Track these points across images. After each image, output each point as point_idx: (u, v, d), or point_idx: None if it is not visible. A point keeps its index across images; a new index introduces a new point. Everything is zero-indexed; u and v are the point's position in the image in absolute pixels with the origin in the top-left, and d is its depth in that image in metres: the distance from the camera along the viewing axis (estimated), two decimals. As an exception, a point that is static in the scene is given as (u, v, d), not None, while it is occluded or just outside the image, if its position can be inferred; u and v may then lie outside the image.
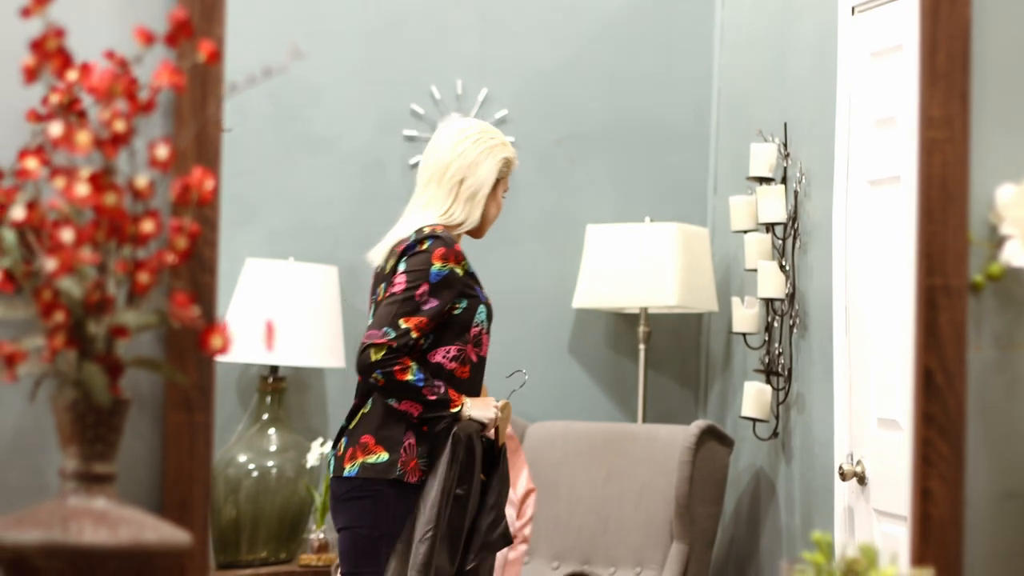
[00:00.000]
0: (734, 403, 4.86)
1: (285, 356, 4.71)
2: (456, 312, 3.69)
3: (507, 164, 3.83)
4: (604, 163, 5.21)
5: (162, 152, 1.90)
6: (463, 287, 3.70)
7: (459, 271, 3.68)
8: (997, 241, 2.40)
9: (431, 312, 3.64)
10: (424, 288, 3.65)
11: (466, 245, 3.70)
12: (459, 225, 3.75)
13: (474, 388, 3.75)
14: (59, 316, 1.91)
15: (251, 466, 4.68)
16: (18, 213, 1.91)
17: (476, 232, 3.81)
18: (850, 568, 2.18)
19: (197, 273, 2.14)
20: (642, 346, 5.00)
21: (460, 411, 3.67)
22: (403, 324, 3.63)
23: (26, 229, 1.96)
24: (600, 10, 5.24)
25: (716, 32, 5.24)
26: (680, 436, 4.60)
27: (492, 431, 3.72)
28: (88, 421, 1.96)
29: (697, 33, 5.26)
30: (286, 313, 4.68)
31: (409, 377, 3.61)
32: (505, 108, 5.13)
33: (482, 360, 3.76)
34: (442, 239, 3.67)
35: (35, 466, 2.17)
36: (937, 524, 2.35)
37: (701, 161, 5.23)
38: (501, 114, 5.12)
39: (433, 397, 3.65)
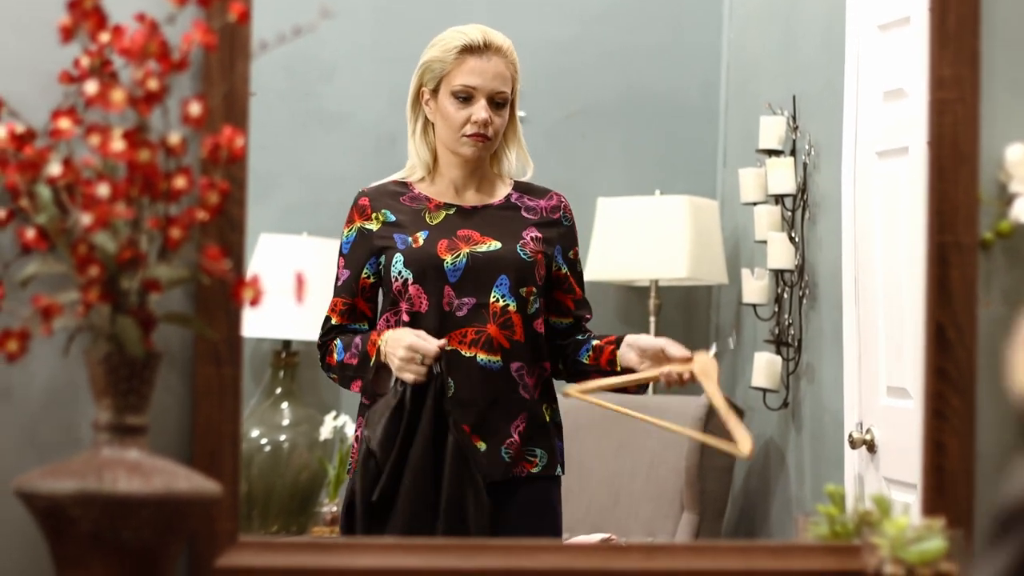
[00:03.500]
0: (744, 374, 4.90)
1: (298, 330, 4.76)
2: (382, 270, 3.17)
3: (426, 68, 3.27)
4: (614, 137, 5.25)
5: (195, 109, 1.95)
6: (378, 241, 3.19)
7: (371, 226, 3.21)
8: (1007, 199, 2.44)
9: (343, 286, 3.21)
10: (340, 264, 3.24)
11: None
12: (418, 172, 3.29)
13: None
14: (94, 270, 1.96)
15: (263, 440, 4.73)
16: (55, 169, 1.96)
17: (454, 153, 3.22)
18: (863, 519, 2.23)
19: (226, 231, 2.19)
20: (652, 318, 5.04)
21: (379, 356, 3.05)
22: (326, 314, 3.24)
23: (60, 187, 2.01)
24: (609, -14, 5.29)
25: (725, 6, 5.27)
26: (690, 407, 4.64)
27: (430, 361, 2.98)
28: (121, 374, 2.00)
29: (706, 7, 5.29)
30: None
31: (335, 357, 3.16)
32: (516, 83, 5.17)
33: (420, 316, 3.12)
34: (352, 202, 3.29)
35: (68, 420, 2.22)
36: (949, 477, 2.39)
37: (711, 134, 5.27)
38: (512, 89, 5.16)
39: (355, 360, 3.12)
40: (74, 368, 2.16)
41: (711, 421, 4.60)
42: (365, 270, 3.19)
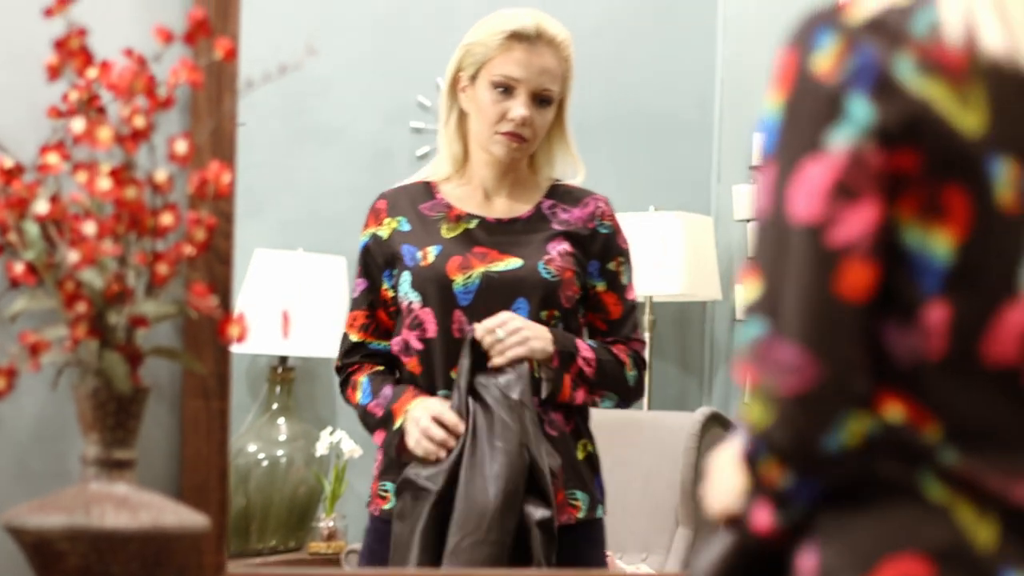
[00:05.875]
0: (738, 390, 4.90)
1: (294, 346, 4.76)
2: (394, 286, 2.80)
3: (467, 51, 2.84)
4: (608, 153, 5.24)
5: (181, 147, 1.96)
6: (389, 251, 2.81)
7: (382, 233, 2.83)
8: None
9: (361, 298, 2.85)
10: (358, 273, 2.87)
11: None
12: (445, 168, 2.90)
13: (423, 386, 2.77)
14: (81, 307, 1.96)
15: (261, 455, 4.73)
16: (41, 207, 1.97)
17: (486, 150, 2.83)
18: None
19: (214, 264, 2.19)
20: (647, 334, 5.04)
21: (402, 425, 2.72)
22: (344, 330, 2.89)
23: (48, 222, 2.01)
24: (603, 1, 5.28)
25: (719, 22, 5.28)
26: (685, 423, 4.64)
27: (428, 442, 2.67)
28: (109, 409, 2.01)
29: (700, 23, 5.30)
30: (295, 303, 4.72)
31: (358, 397, 2.82)
32: (510, 99, 5.17)
33: (433, 344, 2.75)
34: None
35: (57, 453, 2.22)
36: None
37: (705, 150, 5.27)
38: (507, 105, 5.16)
39: (380, 412, 2.77)
40: (63, 401, 2.17)
41: (706, 435, 4.60)
42: (384, 282, 2.82)
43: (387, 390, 2.77)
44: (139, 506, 1.99)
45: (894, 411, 1.35)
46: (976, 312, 1.34)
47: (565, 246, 2.82)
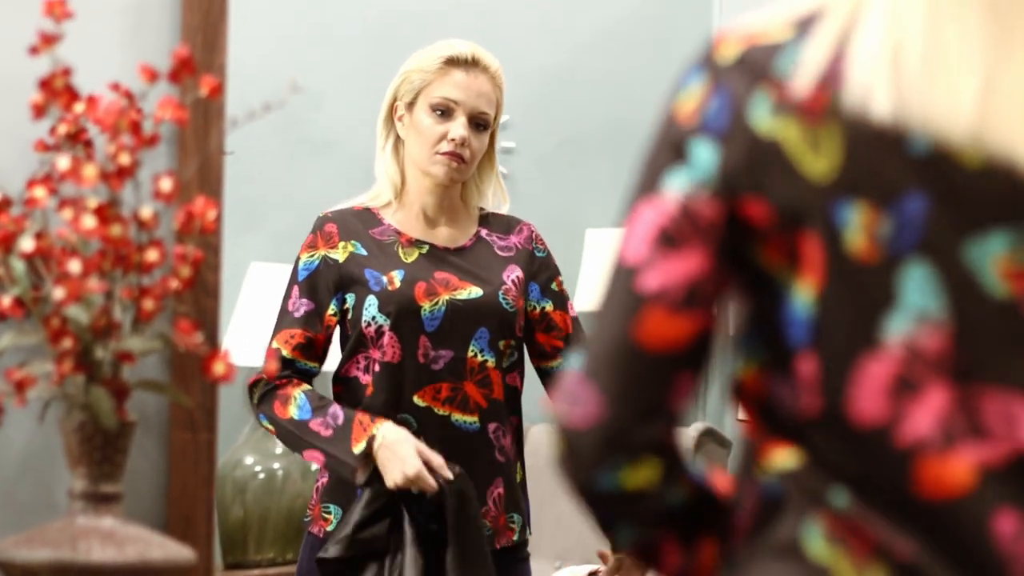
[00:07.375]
0: (732, 406, 4.90)
1: (290, 359, 4.75)
2: (349, 310, 2.84)
3: (404, 79, 2.97)
4: (604, 167, 5.25)
5: (166, 185, 1.96)
6: (346, 274, 2.86)
7: (336, 256, 2.87)
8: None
9: (303, 318, 2.85)
10: (295, 292, 2.87)
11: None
12: (384, 196, 2.98)
13: (377, 408, 2.82)
14: (67, 342, 1.96)
15: (257, 468, 4.73)
16: (27, 244, 1.97)
17: (425, 173, 2.92)
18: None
19: (200, 297, 2.19)
20: (642, 348, 5.04)
21: (367, 446, 2.73)
22: (274, 344, 2.85)
23: (35, 257, 2.01)
24: (599, 14, 5.28)
25: (715, 33, 5.28)
26: (679, 438, 4.64)
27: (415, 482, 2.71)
28: (95, 443, 2.01)
29: (696, 37, 5.27)
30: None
31: (292, 412, 2.81)
32: (505, 113, 5.16)
33: (393, 368, 2.83)
34: (313, 225, 2.95)
35: (45, 485, 2.22)
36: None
37: (699, 166, 5.26)
38: (502, 119, 5.16)
39: (328, 432, 2.77)
40: (50, 432, 2.17)
41: (701, 451, 4.60)
42: (332, 306, 2.87)
43: (336, 410, 2.80)
44: (125, 540, 1.99)
45: (788, 456, 1.31)
46: (838, 367, 1.28)
47: (517, 272, 2.93)
